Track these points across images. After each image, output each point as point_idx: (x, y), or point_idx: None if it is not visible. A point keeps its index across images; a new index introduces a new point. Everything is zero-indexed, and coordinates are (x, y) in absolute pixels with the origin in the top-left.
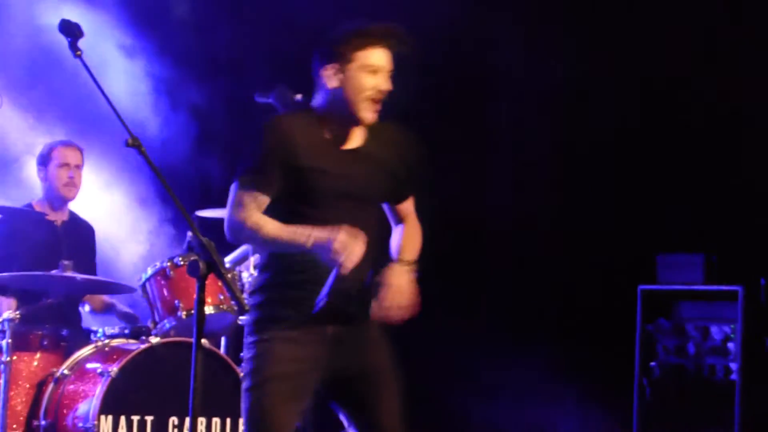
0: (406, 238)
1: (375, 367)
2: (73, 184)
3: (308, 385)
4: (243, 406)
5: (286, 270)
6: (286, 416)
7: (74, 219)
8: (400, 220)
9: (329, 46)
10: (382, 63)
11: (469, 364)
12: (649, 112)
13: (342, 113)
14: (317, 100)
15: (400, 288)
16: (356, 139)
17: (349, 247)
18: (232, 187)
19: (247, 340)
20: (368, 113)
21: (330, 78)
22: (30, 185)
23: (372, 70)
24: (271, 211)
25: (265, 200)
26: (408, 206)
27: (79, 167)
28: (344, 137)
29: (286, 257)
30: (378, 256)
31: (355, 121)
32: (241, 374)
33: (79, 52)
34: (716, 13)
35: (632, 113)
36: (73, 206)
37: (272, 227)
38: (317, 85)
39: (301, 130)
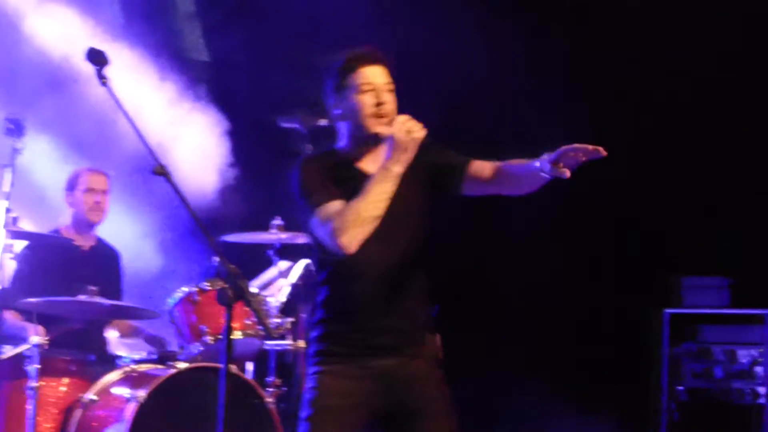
0: (508, 165)
1: (424, 404)
2: (100, 209)
3: (355, 420)
4: None
5: (337, 305)
6: None
7: (101, 244)
8: (490, 173)
9: (326, 83)
10: (375, 79)
11: (494, 386)
12: (674, 136)
13: (359, 139)
14: (338, 138)
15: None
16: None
17: (405, 124)
18: (312, 223)
19: (308, 370)
20: (380, 128)
21: (338, 111)
22: (58, 212)
23: (367, 89)
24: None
25: (338, 205)
26: (479, 163)
27: (105, 192)
28: (369, 161)
29: (337, 292)
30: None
31: (373, 140)
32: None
33: (105, 80)
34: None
35: (657, 137)
36: (101, 232)
37: (356, 201)
38: (334, 123)
39: (329, 164)
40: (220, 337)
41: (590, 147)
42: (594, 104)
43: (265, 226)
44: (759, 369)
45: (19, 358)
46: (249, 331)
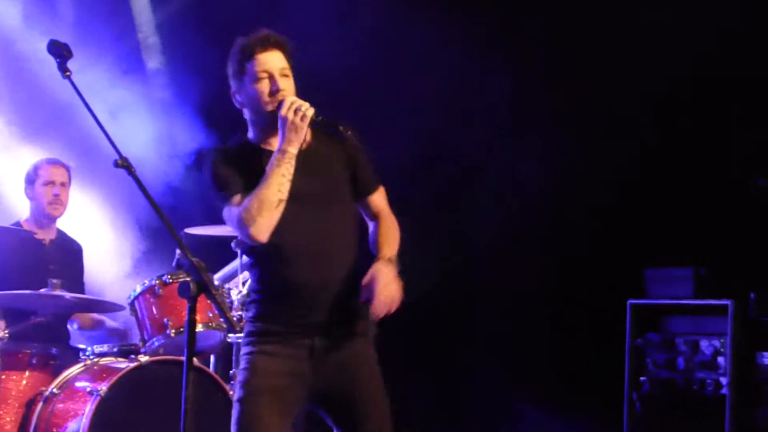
0: (382, 234)
1: (362, 383)
2: (59, 201)
3: (294, 399)
4: (232, 416)
5: (270, 286)
6: (271, 428)
7: (62, 237)
8: (373, 216)
9: (228, 68)
10: (270, 65)
11: (455, 377)
12: (640, 130)
13: (260, 124)
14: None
15: (386, 284)
16: None
17: (293, 104)
18: (225, 215)
19: (241, 351)
20: (273, 107)
21: (239, 98)
22: (20, 204)
23: (263, 76)
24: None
25: (244, 196)
26: (378, 200)
27: (65, 185)
28: (276, 142)
29: (266, 273)
30: (357, 259)
31: (271, 120)
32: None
33: (68, 73)
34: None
35: (624, 132)
36: (62, 225)
37: (258, 189)
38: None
39: (239, 153)
40: (182, 330)
41: (381, 307)
42: (567, 103)
43: None
44: (721, 359)
45: None
46: (211, 324)
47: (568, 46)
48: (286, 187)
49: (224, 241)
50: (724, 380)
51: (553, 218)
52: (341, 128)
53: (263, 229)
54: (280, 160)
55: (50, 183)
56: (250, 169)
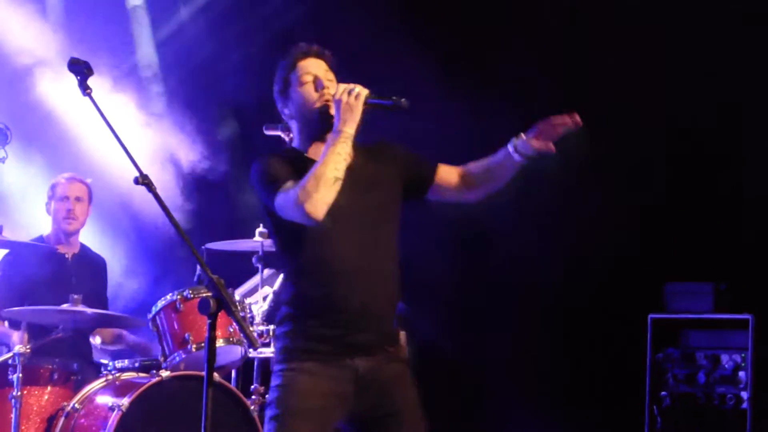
0: (481, 162)
1: (400, 407)
2: (73, 216)
3: (333, 421)
4: None
5: (312, 302)
6: None
7: (85, 252)
8: (458, 176)
9: (273, 89)
10: (314, 70)
11: (475, 390)
12: (658, 143)
13: (310, 133)
14: (295, 139)
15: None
16: None
17: (346, 87)
18: (277, 205)
19: (275, 367)
20: (323, 102)
21: (287, 112)
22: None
23: (307, 80)
24: (284, 239)
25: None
26: (447, 167)
27: (80, 200)
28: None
29: (309, 289)
30: (400, 282)
31: (322, 121)
32: (266, 401)
33: (89, 90)
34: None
35: (642, 145)
36: (85, 240)
37: (314, 168)
38: (290, 127)
39: (290, 160)
40: (203, 345)
41: (566, 117)
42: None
43: (249, 234)
44: (742, 374)
45: (2, 367)
46: (232, 339)
47: (590, 54)
48: (342, 166)
49: (246, 256)
50: (744, 395)
51: (574, 232)
52: (394, 98)
53: (319, 205)
54: (336, 140)
55: (65, 198)
56: (297, 172)
